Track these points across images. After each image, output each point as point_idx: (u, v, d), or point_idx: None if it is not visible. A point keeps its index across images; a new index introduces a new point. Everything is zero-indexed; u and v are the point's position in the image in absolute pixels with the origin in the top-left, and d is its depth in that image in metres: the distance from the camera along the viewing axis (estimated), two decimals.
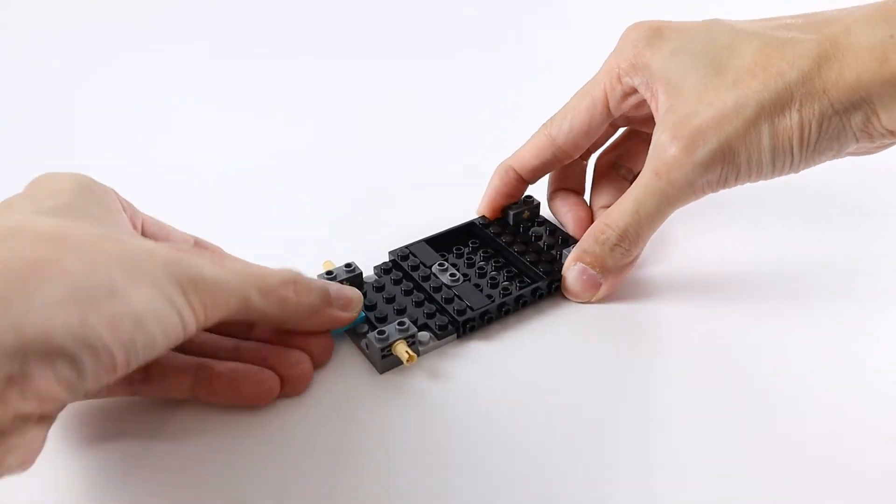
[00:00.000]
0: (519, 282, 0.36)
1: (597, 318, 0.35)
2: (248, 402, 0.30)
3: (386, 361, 0.32)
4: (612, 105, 0.36)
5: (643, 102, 0.36)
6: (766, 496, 0.27)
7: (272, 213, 0.45)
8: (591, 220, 0.39)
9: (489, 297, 0.35)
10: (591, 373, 0.32)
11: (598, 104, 0.36)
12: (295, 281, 0.29)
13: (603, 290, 0.35)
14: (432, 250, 0.38)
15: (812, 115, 0.30)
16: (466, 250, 0.39)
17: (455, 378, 0.32)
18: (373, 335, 0.32)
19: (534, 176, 0.40)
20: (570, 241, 0.39)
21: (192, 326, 0.24)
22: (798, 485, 0.27)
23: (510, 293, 0.35)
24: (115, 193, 0.29)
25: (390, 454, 0.29)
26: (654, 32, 0.34)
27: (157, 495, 0.27)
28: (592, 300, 0.36)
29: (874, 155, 0.34)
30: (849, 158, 0.34)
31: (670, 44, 0.33)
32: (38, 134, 0.57)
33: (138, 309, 0.22)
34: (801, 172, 0.33)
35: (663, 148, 0.32)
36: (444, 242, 0.39)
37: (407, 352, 0.31)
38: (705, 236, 0.41)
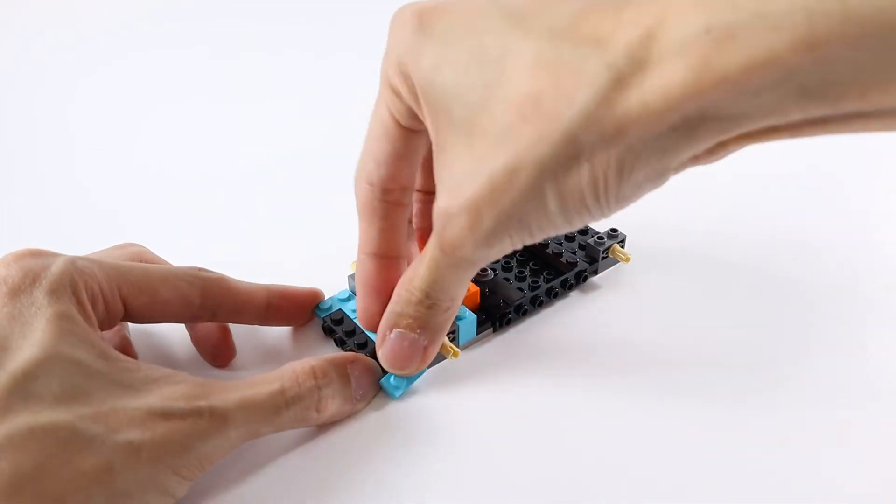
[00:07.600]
0: (546, 273, 0.36)
1: (628, 306, 0.36)
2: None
3: None
4: (404, 122, 0.27)
5: None
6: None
7: (291, 213, 0.44)
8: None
9: (520, 289, 0.35)
10: (625, 363, 0.32)
11: (388, 126, 0.27)
12: (302, 396, 0.28)
13: (430, 353, 0.29)
14: None
15: (607, 166, 0.22)
16: None
17: (492, 369, 0.32)
18: None
19: (393, 249, 0.30)
20: (587, 230, 0.38)
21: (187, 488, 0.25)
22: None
23: (539, 286, 0.35)
24: (79, 291, 0.27)
25: (427, 446, 0.29)
26: (417, 22, 0.25)
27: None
28: (419, 368, 0.30)
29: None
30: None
31: (432, 45, 0.24)
32: (38, 134, 0.55)
33: None
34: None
35: (442, 220, 0.25)
36: None
37: (451, 348, 0.31)
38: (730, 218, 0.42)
